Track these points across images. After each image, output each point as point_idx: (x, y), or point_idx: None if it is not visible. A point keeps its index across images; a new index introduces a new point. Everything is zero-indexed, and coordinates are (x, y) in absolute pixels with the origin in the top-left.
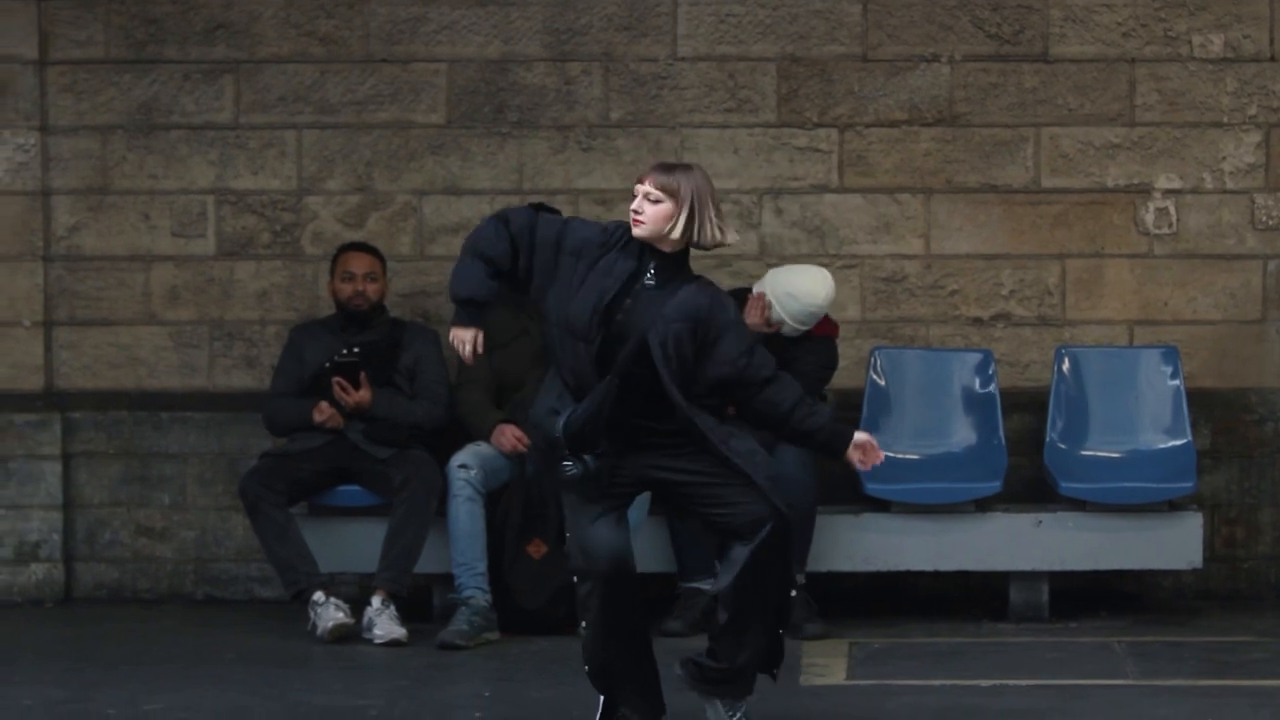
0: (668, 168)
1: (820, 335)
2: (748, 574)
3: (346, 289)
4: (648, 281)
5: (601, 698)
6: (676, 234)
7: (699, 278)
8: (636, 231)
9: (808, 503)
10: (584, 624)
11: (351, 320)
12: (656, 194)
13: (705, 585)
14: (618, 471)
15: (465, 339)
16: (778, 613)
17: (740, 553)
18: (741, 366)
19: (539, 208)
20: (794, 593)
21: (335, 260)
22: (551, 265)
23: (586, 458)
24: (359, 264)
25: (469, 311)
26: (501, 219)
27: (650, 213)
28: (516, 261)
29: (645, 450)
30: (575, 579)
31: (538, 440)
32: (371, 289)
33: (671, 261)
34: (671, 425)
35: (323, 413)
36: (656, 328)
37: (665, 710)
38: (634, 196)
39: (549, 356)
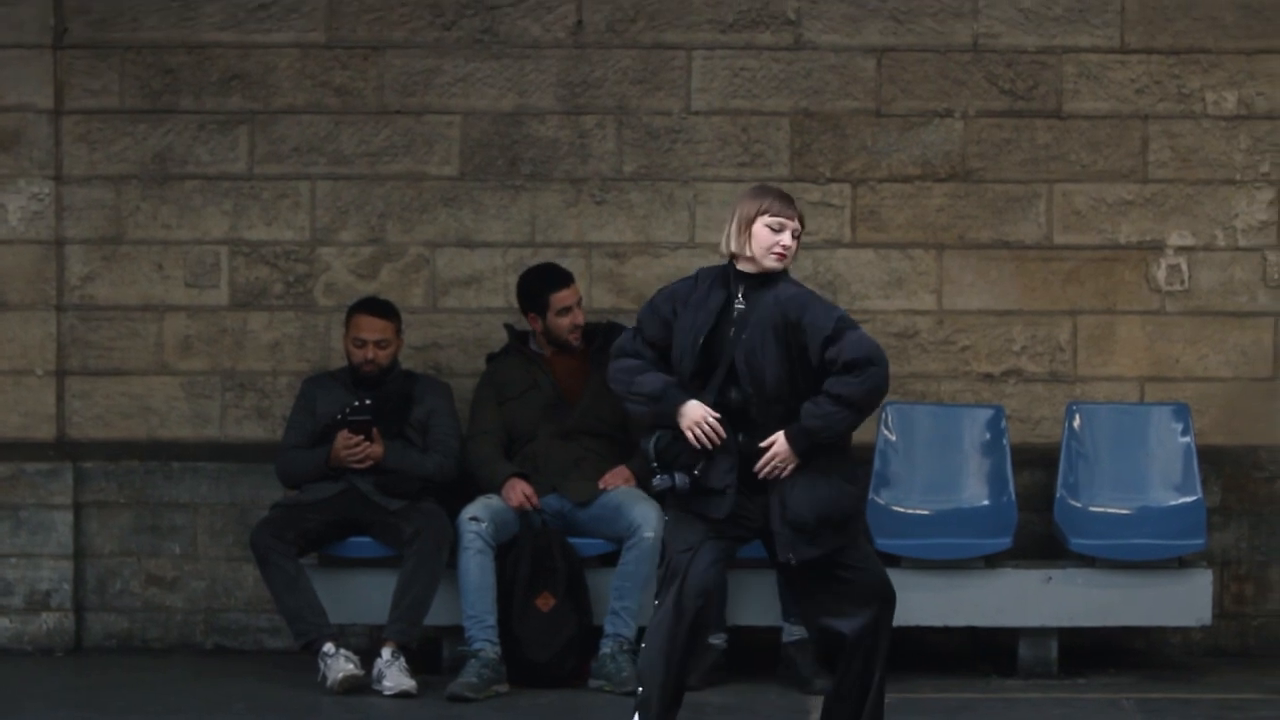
0: (792, 199)
1: None
2: (853, 654)
3: (358, 354)
4: (738, 307)
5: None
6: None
7: (780, 282)
8: (779, 266)
9: None
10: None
11: (362, 381)
12: (799, 229)
13: (716, 641)
14: (744, 511)
15: (697, 418)
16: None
17: (848, 628)
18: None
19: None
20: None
21: (349, 319)
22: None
23: (676, 474)
24: (370, 330)
25: (673, 396)
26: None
27: (793, 249)
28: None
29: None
30: (658, 592)
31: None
32: (382, 355)
33: (757, 281)
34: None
35: (346, 440)
36: (741, 344)
37: None
38: (774, 230)
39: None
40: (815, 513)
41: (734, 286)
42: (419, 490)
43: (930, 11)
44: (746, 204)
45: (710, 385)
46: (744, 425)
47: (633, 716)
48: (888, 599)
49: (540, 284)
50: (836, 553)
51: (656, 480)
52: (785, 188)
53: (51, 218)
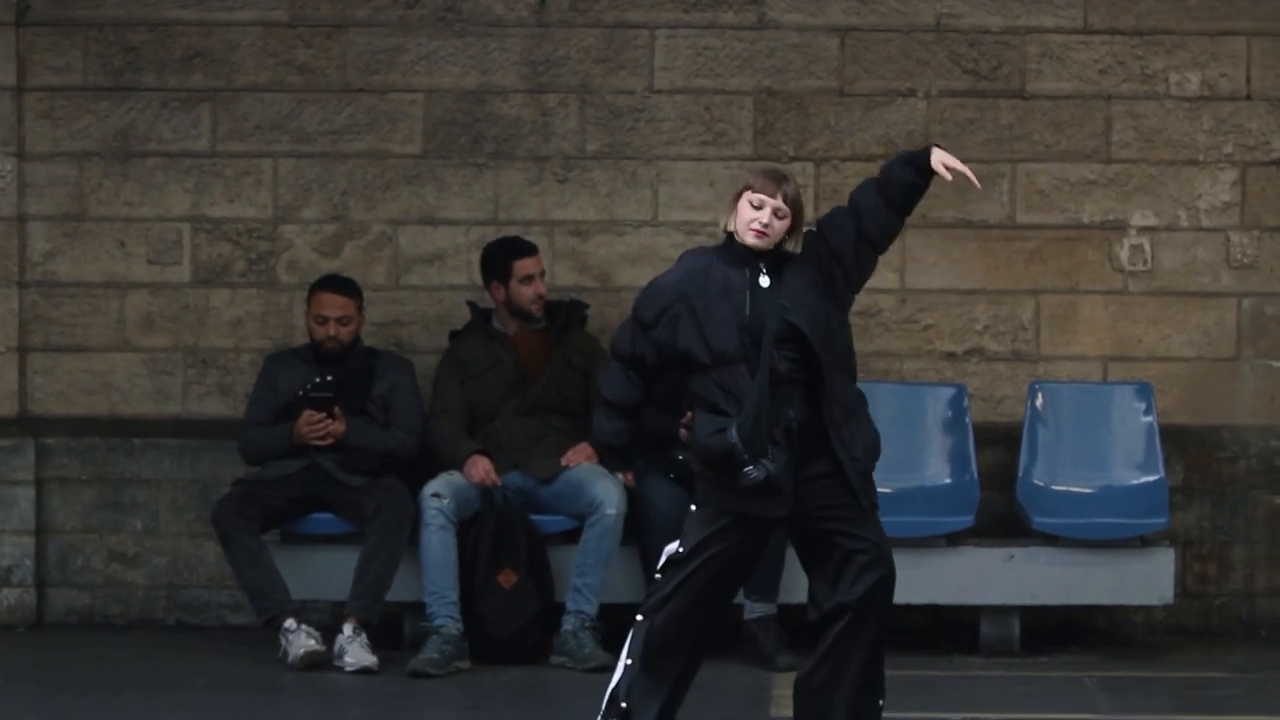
0: (785, 178)
1: None
2: (853, 625)
3: (319, 331)
4: (763, 284)
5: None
6: (790, 244)
7: (792, 258)
8: (759, 243)
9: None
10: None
11: (324, 358)
12: (785, 209)
13: None
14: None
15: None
16: (868, 679)
17: (847, 596)
18: (852, 229)
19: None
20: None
21: (310, 296)
22: (671, 329)
23: (764, 460)
24: (332, 306)
25: (615, 458)
26: (618, 357)
27: (777, 228)
28: (654, 379)
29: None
30: (660, 574)
31: (704, 465)
32: (344, 331)
33: (773, 256)
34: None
35: (309, 418)
36: (790, 311)
37: None
38: (754, 206)
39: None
40: (874, 455)
41: (751, 263)
42: (380, 467)
43: None
44: (741, 182)
45: (761, 362)
46: (792, 401)
47: (615, 685)
48: (890, 569)
49: (504, 251)
50: (861, 525)
51: (751, 472)
52: (749, 166)
53: (14, 194)
